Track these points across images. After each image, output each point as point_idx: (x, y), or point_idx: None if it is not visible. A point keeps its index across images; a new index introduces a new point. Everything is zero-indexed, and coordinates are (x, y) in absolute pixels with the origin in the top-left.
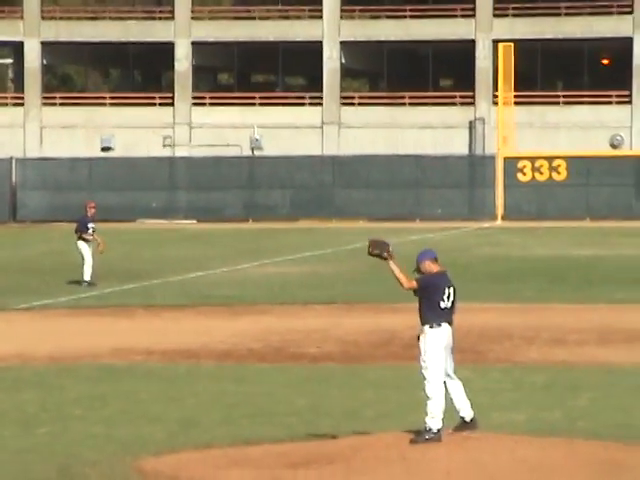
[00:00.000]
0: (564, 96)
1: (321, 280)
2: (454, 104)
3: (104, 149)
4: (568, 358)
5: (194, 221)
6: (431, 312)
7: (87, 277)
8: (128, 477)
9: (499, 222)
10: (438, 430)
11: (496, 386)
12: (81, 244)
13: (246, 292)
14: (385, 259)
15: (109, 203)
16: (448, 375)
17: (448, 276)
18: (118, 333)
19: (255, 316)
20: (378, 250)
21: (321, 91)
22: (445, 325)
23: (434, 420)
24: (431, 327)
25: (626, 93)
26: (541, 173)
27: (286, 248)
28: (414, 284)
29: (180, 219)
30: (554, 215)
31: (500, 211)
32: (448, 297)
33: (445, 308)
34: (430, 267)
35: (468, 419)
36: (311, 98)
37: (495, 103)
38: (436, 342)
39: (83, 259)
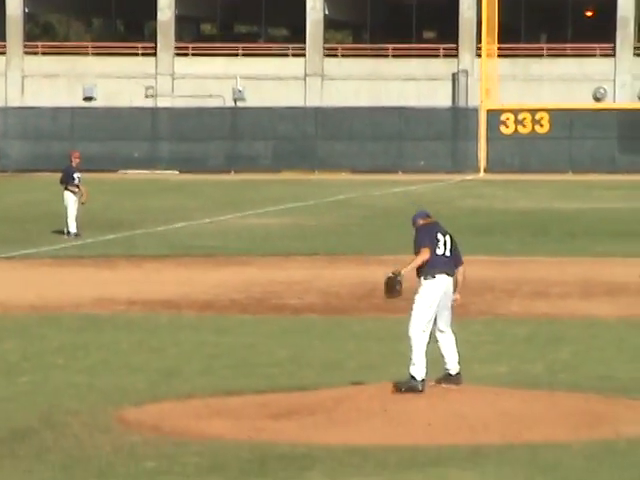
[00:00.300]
0: (548, 49)
1: (303, 232)
2: (437, 56)
3: (86, 99)
4: (550, 311)
5: (176, 172)
6: (427, 263)
7: (72, 228)
8: (110, 427)
9: (482, 175)
10: (422, 379)
11: (478, 338)
12: (67, 195)
13: (228, 243)
14: (400, 287)
15: (91, 153)
16: (440, 330)
17: (441, 225)
18: (100, 283)
19: (237, 267)
20: (391, 294)
21: (304, 42)
22: (441, 277)
23: (415, 367)
24: (425, 279)
25: (610, 46)
26: (524, 126)
27: (268, 199)
28: (421, 252)
29: (162, 169)
30: (537, 168)
31: (483, 164)
32: (444, 244)
33: (442, 255)
34: (421, 222)
35: (453, 372)
36: (294, 49)
37: (479, 55)
38: (429, 293)
39: (67, 210)
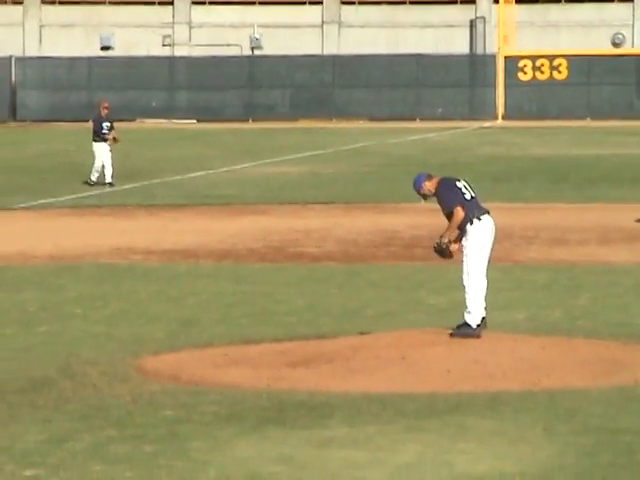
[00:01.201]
0: None
1: (321, 180)
2: (455, 2)
3: (103, 48)
4: (568, 257)
5: (194, 121)
6: (452, 198)
7: (108, 178)
8: (128, 376)
9: (500, 121)
10: (477, 325)
11: (496, 285)
12: (96, 145)
13: (246, 192)
14: (450, 251)
15: (109, 102)
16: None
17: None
18: (118, 233)
19: (255, 216)
20: (444, 258)
21: None
22: (484, 217)
23: (470, 316)
24: (471, 224)
25: None
26: (542, 72)
27: (286, 148)
28: (455, 212)
29: (180, 119)
30: (555, 114)
31: (501, 110)
32: (466, 187)
33: (472, 198)
34: (429, 184)
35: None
36: None
37: (496, 1)
38: (478, 235)
39: (95, 161)
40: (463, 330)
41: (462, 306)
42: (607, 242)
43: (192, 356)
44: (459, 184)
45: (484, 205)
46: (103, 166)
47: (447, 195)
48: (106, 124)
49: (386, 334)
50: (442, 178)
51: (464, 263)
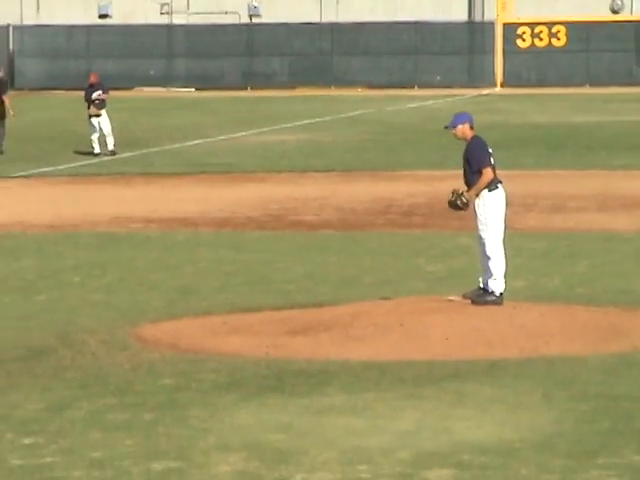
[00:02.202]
0: None
1: (319, 148)
2: None
3: (101, 16)
4: (567, 225)
5: (192, 89)
6: (483, 159)
7: (110, 146)
8: (127, 344)
9: (498, 89)
10: (501, 293)
11: None
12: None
13: (244, 160)
14: (465, 203)
15: (107, 71)
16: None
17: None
18: (117, 201)
19: (254, 184)
20: (457, 209)
21: None
22: (501, 186)
23: (495, 282)
24: (490, 191)
25: None
26: (541, 39)
27: (284, 116)
28: (484, 173)
29: (179, 87)
30: (554, 82)
31: (499, 78)
32: (491, 155)
33: (494, 166)
34: (466, 130)
35: (482, 285)
36: None
37: None
38: (496, 203)
39: (95, 130)
40: (486, 297)
41: (460, 274)
42: (606, 209)
43: (191, 324)
44: (489, 149)
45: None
46: (103, 135)
47: (480, 153)
48: (96, 93)
49: (385, 301)
50: (478, 135)
51: (484, 232)
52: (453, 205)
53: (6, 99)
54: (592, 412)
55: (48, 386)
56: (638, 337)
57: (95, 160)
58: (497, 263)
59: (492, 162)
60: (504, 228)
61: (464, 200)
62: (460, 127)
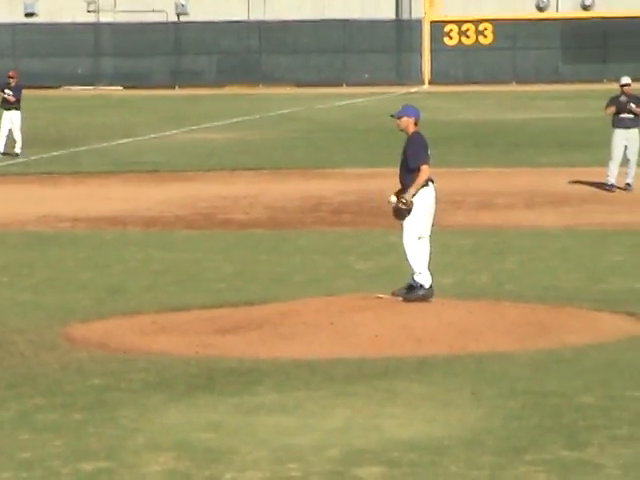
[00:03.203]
0: None
1: (248, 146)
2: None
3: (28, 15)
4: (495, 222)
5: (120, 87)
6: (419, 156)
7: (18, 149)
8: (56, 344)
9: (426, 86)
10: (430, 286)
11: None
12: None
13: (173, 159)
14: (407, 203)
15: (34, 69)
16: (422, 236)
17: None
18: (44, 200)
19: (182, 183)
20: (402, 216)
21: None
22: (432, 185)
23: (421, 276)
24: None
25: None
26: (468, 37)
27: (213, 114)
28: (422, 170)
29: (106, 85)
30: (481, 79)
31: (427, 76)
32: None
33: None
34: (409, 124)
35: (411, 282)
36: None
37: None
38: (424, 200)
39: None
40: (416, 293)
41: (389, 271)
42: (533, 206)
43: (120, 324)
44: (428, 147)
45: None
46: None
47: (420, 150)
48: (7, 91)
49: (315, 299)
50: (419, 132)
51: (406, 226)
52: (397, 211)
53: None
54: (521, 408)
55: None
56: (566, 333)
57: (22, 159)
58: (415, 257)
59: (429, 161)
60: (431, 225)
61: (404, 202)
62: (405, 119)
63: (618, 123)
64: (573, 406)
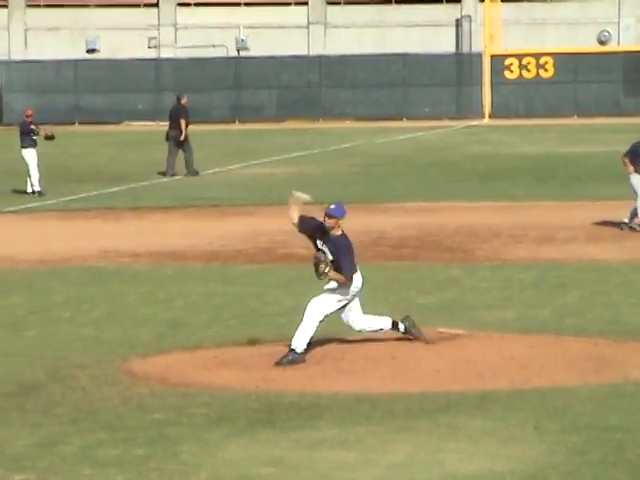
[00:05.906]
0: None
1: (308, 181)
2: (440, 1)
3: (89, 51)
4: (557, 255)
5: None
6: (353, 265)
7: (37, 187)
8: (117, 379)
9: (487, 120)
10: (304, 350)
11: (485, 284)
12: (24, 152)
13: (233, 193)
14: (324, 273)
15: (95, 105)
16: (354, 316)
17: None
18: (105, 236)
19: (243, 217)
20: (317, 269)
21: None
22: (357, 275)
23: (297, 342)
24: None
25: None
26: (528, 70)
27: (273, 149)
28: (348, 280)
29: (166, 121)
30: (542, 112)
31: (487, 109)
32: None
33: None
34: (336, 225)
35: (400, 328)
36: None
37: (482, 0)
38: (343, 290)
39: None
40: (289, 357)
41: (450, 306)
42: (595, 240)
43: (181, 358)
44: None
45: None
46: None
47: (349, 259)
48: (32, 127)
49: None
50: (347, 236)
51: (320, 297)
52: (316, 267)
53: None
54: (583, 443)
55: (38, 422)
56: (629, 368)
57: (84, 194)
58: (306, 330)
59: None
60: (333, 312)
61: (326, 272)
62: (334, 221)
63: None
64: (636, 441)
